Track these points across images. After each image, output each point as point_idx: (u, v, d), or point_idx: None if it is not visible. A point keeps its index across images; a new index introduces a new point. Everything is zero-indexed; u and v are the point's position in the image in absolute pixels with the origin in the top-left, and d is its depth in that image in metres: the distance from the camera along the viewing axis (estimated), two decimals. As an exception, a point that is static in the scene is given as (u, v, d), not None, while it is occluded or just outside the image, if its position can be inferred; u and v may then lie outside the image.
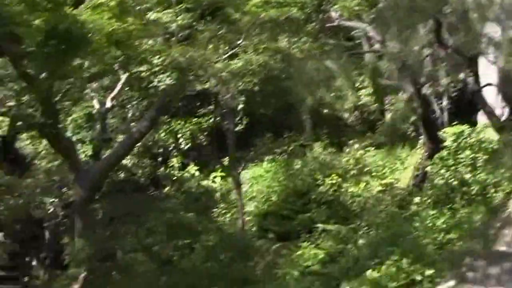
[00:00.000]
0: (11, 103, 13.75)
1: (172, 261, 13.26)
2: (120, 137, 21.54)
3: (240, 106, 21.48)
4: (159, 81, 15.46)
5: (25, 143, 27.29)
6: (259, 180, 21.31)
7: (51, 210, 16.73)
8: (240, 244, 14.77)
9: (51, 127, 11.96)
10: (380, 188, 18.28)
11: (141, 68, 15.55)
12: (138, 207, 14.44)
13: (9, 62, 13.59)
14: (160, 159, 23.76)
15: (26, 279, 12.19)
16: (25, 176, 17.51)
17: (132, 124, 22.00)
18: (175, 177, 22.95)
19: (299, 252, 15.42)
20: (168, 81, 15.15)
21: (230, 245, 14.50)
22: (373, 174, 19.49)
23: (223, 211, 20.00)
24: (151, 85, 15.99)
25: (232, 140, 18.88)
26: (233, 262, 13.14)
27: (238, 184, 18.78)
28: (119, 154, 13.77)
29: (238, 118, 21.58)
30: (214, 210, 20.00)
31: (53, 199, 16.63)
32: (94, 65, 14.28)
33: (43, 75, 12.48)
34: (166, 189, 22.06)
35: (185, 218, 16.41)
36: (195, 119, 23.21)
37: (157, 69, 15.29)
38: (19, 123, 23.01)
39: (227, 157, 21.39)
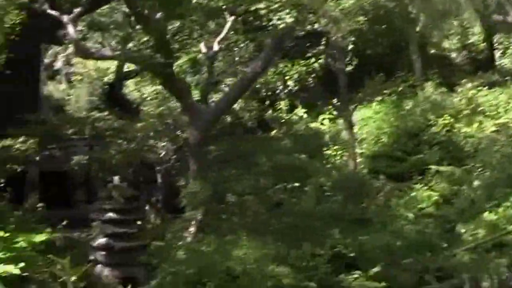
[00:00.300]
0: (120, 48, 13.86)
1: (283, 203, 13.22)
2: (228, 80, 21.69)
3: (350, 47, 21.15)
4: (278, 19, 15.38)
5: (130, 89, 28.04)
6: (368, 121, 21.04)
7: (162, 154, 16.99)
8: (352, 185, 14.60)
9: (165, 68, 12.01)
10: (494, 128, 17.73)
11: (260, 6, 15.37)
12: (248, 150, 14.44)
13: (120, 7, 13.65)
14: (267, 102, 23.77)
15: (140, 222, 12.46)
16: (135, 121, 17.80)
17: (238, 67, 22.12)
18: (283, 120, 22.94)
19: (412, 194, 15.24)
20: (288, 19, 15.00)
21: (342, 186, 14.35)
22: (486, 114, 18.89)
23: (333, 153, 19.84)
24: (267, 24, 15.92)
25: (343, 80, 18.59)
26: (345, 204, 13.01)
27: (350, 125, 18.54)
28: (233, 95, 13.73)
29: (347, 58, 21.21)
30: (324, 152, 19.84)
31: (164, 143, 16.88)
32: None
33: (159, 15, 12.52)
34: (274, 132, 22.06)
35: (295, 160, 16.36)
36: (303, 61, 23.00)
37: (276, 6, 15.12)
38: (129, 66, 23.53)
39: (336, 99, 21.15)
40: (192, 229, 11.21)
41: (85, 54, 13.56)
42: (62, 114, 20.00)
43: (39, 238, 9.99)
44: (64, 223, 12.72)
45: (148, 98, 23.61)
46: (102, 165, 15.51)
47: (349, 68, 21.38)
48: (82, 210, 17.85)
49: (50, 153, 16.81)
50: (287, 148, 17.08)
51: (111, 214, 11.54)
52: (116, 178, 11.76)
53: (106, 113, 17.21)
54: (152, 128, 16.58)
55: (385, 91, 21.68)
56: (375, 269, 9.50)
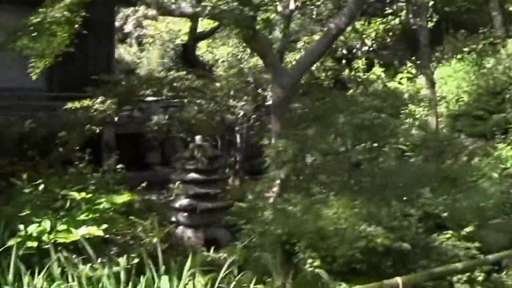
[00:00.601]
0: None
1: (361, 164, 12.83)
2: (305, 39, 21.30)
3: (430, 3, 20.52)
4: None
5: (202, 51, 27.96)
6: (447, 80, 20.55)
7: (241, 114, 16.76)
8: (435, 144, 14.13)
9: (252, 22, 11.67)
10: None
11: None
12: (327, 108, 14.04)
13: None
14: (344, 61, 23.38)
15: (230, 181, 12.31)
16: (212, 81, 17.59)
17: (315, 25, 21.73)
18: (360, 79, 22.56)
19: (495, 153, 14.77)
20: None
21: (425, 146, 13.89)
22: None
23: (413, 113, 19.35)
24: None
25: (425, 37, 17.99)
26: (431, 163, 12.57)
27: (432, 83, 17.98)
28: (317, 52, 13.33)
29: (427, 15, 20.56)
30: (403, 111, 19.35)
31: (244, 103, 16.64)
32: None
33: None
34: (350, 91, 21.65)
35: (374, 120, 15.92)
36: (380, 19, 22.44)
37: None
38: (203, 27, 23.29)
39: (415, 57, 20.58)
40: (275, 189, 10.93)
41: (165, 12, 13.26)
42: (138, 75, 19.72)
43: (121, 199, 9.83)
44: (144, 184, 12.60)
45: (220, 60, 23.47)
46: (181, 125, 15.32)
47: (429, 25, 20.72)
48: (157, 172, 17.85)
49: (126, 114, 16.73)
50: (365, 107, 16.63)
51: (193, 175, 11.35)
52: (198, 138, 11.54)
53: (184, 72, 16.98)
54: (232, 86, 16.30)
55: (464, 49, 21.02)
56: (468, 229, 9.12)
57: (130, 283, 7.08)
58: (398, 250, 8.44)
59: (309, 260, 8.11)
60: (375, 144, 14.07)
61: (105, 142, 16.84)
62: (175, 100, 17.71)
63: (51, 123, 14.66)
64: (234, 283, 6.99)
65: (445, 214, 9.08)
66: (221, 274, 6.84)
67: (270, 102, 17.66)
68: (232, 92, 16.30)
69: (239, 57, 21.39)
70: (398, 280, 7.74)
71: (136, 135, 18.60)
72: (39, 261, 7.82)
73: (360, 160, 12.21)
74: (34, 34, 10.80)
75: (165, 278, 5.72)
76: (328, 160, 10.62)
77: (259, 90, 16.60)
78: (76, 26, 11.05)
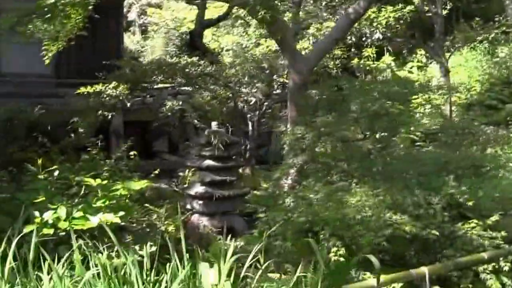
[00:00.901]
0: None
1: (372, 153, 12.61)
2: (316, 26, 21.07)
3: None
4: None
5: (207, 40, 27.78)
6: (458, 69, 20.36)
7: (253, 101, 16.54)
8: (455, 132, 13.91)
9: (266, 7, 11.43)
10: None
11: None
12: (343, 96, 13.83)
13: None
14: (353, 49, 23.15)
15: (247, 169, 12.09)
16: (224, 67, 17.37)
17: (325, 13, 21.52)
18: (369, 68, 22.34)
19: (512, 143, 14.56)
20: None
21: (445, 133, 13.67)
22: None
23: (422, 102, 19.10)
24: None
25: (440, 25, 17.77)
26: (449, 150, 12.34)
27: (446, 71, 17.75)
28: (335, 36, 13.12)
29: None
30: (413, 100, 19.11)
31: (255, 90, 16.42)
32: None
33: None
34: (356, 81, 21.42)
35: (385, 108, 15.73)
36: (391, 6, 22.19)
37: None
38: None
39: (426, 46, 20.37)
40: (293, 176, 10.74)
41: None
42: (151, 60, 19.42)
43: (138, 186, 9.62)
44: (157, 172, 12.41)
45: (225, 49, 23.31)
46: (195, 111, 15.12)
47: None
48: (165, 160, 17.68)
49: (137, 101, 16.53)
50: (383, 94, 16.43)
51: (209, 161, 11.13)
52: (214, 124, 11.32)
53: (196, 58, 16.76)
54: (247, 72, 16.06)
55: (477, 38, 20.79)
56: (493, 218, 8.90)
57: (153, 271, 6.86)
58: (422, 240, 8.24)
59: (334, 249, 7.86)
60: (392, 132, 14.00)
61: (113, 129, 16.68)
62: (184, 88, 17.51)
63: (60, 110, 14.48)
64: (260, 271, 6.72)
65: (470, 203, 8.82)
66: (247, 263, 6.61)
67: (278, 91, 17.53)
68: (246, 78, 16.04)
69: (243, 45, 21.23)
70: (425, 269, 7.53)
71: (144, 123, 18.44)
72: (53, 249, 7.59)
73: (377, 147, 12.00)
74: (47, 16, 10.58)
75: (205, 265, 5.46)
76: (346, 147, 10.39)
77: (274, 77, 16.34)
78: (90, 8, 10.82)
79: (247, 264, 6.64)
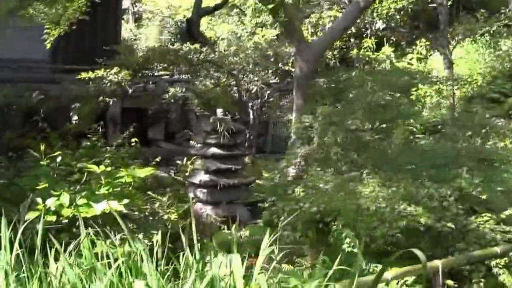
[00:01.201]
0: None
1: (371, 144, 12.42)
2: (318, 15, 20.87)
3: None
4: None
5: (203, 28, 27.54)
6: (459, 62, 20.16)
7: (254, 89, 16.31)
8: (463, 124, 13.72)
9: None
10: None
11: None
12: (349, 85, 13.64)
13: None
14: (352, 40, 22.96)
15: (246, 158, 11.84)
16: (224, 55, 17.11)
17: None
18: (368, 59, 22.11)
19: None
20: None
21: (453, 125, 13.49)
22: None
23: (423, 94, 18.92)
24: None
25: (445, 16, 17.54)
26: (457, 142, 12.13)
27: (450, 63, 17.55)
28: (344, 25, 12.91)
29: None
30: (415, 92, 18.93)
31: (257, 78, 16.18)
32: None
33: None
34: (356, 71, 21.23)
35: (385, 99, 15.55)
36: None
37: None
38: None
39: (427, 38, 20.18)
40: (299, 166, 10.52)
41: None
42: (153, 47, 19.13)
43: (143, 173, 9.38)
44: (158, 159, 12.18)
45: (221, 38, 23.08)
46: (198, 98, 14.88)
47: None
48: (161, 148, 17.47)
49: (138, 87, 16.28)
50: (391, 84, 16.27)
51: (215, 149, 10.86)
52: (219, 111, 11.07)
53: (198, 45, 16.46)
54: (251, 60, 15.81)
55: (478, 31, 20.59)
56: (507, 212, 8.72)
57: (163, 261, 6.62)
58: (435, 232, 8.05)
59: (347, 240, 7.66)
60: (384, 125, 13.81)
61: (110, 116, 16.44)
62: (184, 76, 17.26)
63: (58, 96, 14.22)
64: (274, 263, 6.49)
65: (483, 196, 8.64)
66: (261, 252, 6.37)
67: (276, 80, 17.30)
68: (250, 66, 15.79)
69: (238, 35, 21.04)
70: (438, 263, 7.34)
71: (140, 110, 18.22)
72: (55, 237, 7.31)
73: (378, 138, 11.82)
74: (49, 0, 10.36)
75: (237, 257, 5.22)
76: (356, 137, 10.19)
77: (279, 65, 16.11)
78: (92, -8, 10.61)
79: (262, 254, 6.42)
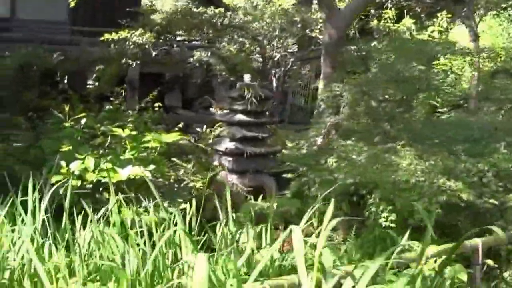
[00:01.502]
0: None
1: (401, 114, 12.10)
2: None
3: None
4: None
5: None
6: (482, 36, 19.78)
7: (277, 57, 15.93)
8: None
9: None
10: None
11: None
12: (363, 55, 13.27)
13: None
14: (372, 10, 22.48)
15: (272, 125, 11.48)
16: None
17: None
18: (388, 30, 21.67)
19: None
20: None
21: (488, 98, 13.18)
22: None
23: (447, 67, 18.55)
24: None
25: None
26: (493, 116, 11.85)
27: (476, 36, 17.14)
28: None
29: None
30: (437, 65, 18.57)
31: (279, 45, 15.79)
32: None
33: None
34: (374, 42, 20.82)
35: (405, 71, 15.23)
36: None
37: None
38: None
39: (443, 12, 19.74)
40: (325, 136, 10.19)
41: None
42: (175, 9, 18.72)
43: (170, 138, 9.12)
44: (181, 125, 11.90)
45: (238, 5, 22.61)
46: (224, 63, 14.53)
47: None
48: (179, 115, 17.20)
49: (160, 52, 15.95)
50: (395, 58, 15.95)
51: (241, 116, 10.50)
52: (247, 77, 10.69)
53: (223, 9, 16.03)
54: (277, 26, 15.39)
55: (502, 5, 20.21)
56: (547, 190, 8.42)
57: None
58: (474, 209, 7.76)
59: (384, 214, 7.37)
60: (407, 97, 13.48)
61: (129, 80, 16.12)
62: (202, 42, 16.93)
63: (78, 58, 13.93)
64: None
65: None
66: (301, 224, 6.09)
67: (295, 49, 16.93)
68: (277, 32, 15.38)
69: (254, 3, 20.58)
70: (478, 241, 7.05)
71: (158, 75, 17.93)
72: (78, 202, 7.02)
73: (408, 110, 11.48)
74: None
75: (297, 229, 4.93)
76: (386, 108, 9.86)
77: (307, 31, 15.69)
78: None
79: (302, 225, 6.14)
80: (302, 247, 4.65)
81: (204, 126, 13.44)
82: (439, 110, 14.28)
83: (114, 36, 13.57)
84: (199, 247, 5.90)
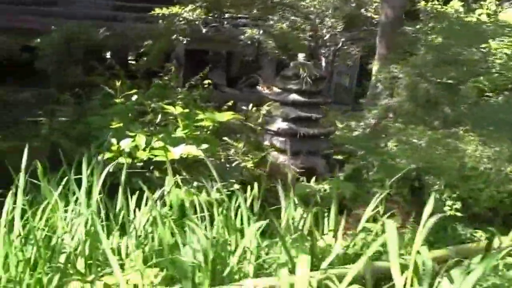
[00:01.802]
0: None
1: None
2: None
3: None
4: None
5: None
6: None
7: (327, 36, 15.58)
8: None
9: None
10: None
11: None
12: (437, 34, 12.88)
13: None
14: (420, -9, 22.06)
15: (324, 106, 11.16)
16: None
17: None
18: (435, 11, 21.22)
19: None
20: None
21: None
22: None
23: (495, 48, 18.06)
24: None
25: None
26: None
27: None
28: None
29: None
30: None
31: (330, 24, 15.42)
32: None
33: None
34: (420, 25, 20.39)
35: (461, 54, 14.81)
36: None
37: None
38: None
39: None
40: (379, 119, 9.89)
41: None
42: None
43: (224, 117, 8.86)
44: (230, 104, 11.64)
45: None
46: (275, 41, 14.24)
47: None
48: (225, 93, 17.00)
49: (210, 29, 15.66)
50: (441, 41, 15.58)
51: (295, 96, 10.18)
52: (301, 55, 10.37)
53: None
54: (330, 5, 15.02)
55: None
56: None
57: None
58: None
59: (449, 202, 7.06)
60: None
61: (175, 56, 15.92)
62: (251, 20, 16.61)
63: (124, 32, 13.73)
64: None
65: None
66: (368, 211, 5.81)
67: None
68: (330, 11, 15.02)
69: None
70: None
71: (204, 53, 17.70)
72: (128, 181, 6.77)
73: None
74: None
75: (391, 223, 4.61)
76: (452, 91, 9.51)
77: (362, 10, 15.29)
78: None
79: (368, 212, 5.87)
80: (396, 247, 4.30)
81: (250, 105, 13.16)
82: (487, 94, 13.90)
83: (165, 11, 13.33)
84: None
